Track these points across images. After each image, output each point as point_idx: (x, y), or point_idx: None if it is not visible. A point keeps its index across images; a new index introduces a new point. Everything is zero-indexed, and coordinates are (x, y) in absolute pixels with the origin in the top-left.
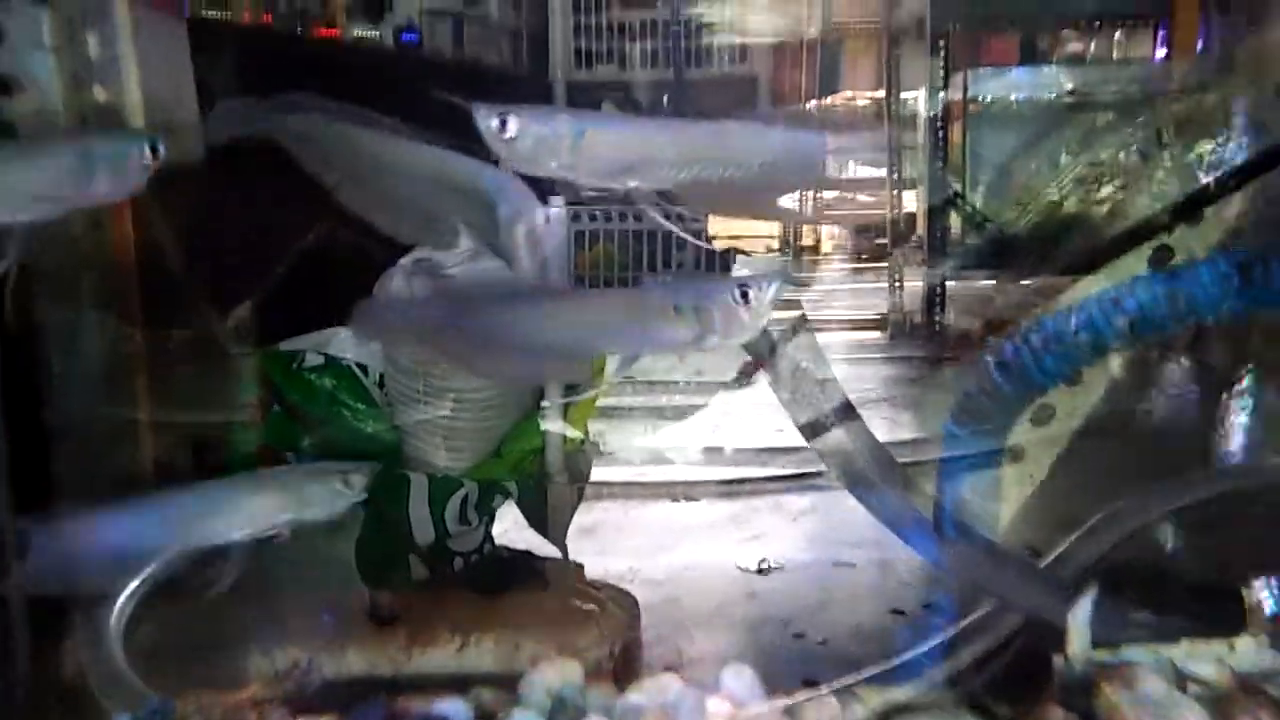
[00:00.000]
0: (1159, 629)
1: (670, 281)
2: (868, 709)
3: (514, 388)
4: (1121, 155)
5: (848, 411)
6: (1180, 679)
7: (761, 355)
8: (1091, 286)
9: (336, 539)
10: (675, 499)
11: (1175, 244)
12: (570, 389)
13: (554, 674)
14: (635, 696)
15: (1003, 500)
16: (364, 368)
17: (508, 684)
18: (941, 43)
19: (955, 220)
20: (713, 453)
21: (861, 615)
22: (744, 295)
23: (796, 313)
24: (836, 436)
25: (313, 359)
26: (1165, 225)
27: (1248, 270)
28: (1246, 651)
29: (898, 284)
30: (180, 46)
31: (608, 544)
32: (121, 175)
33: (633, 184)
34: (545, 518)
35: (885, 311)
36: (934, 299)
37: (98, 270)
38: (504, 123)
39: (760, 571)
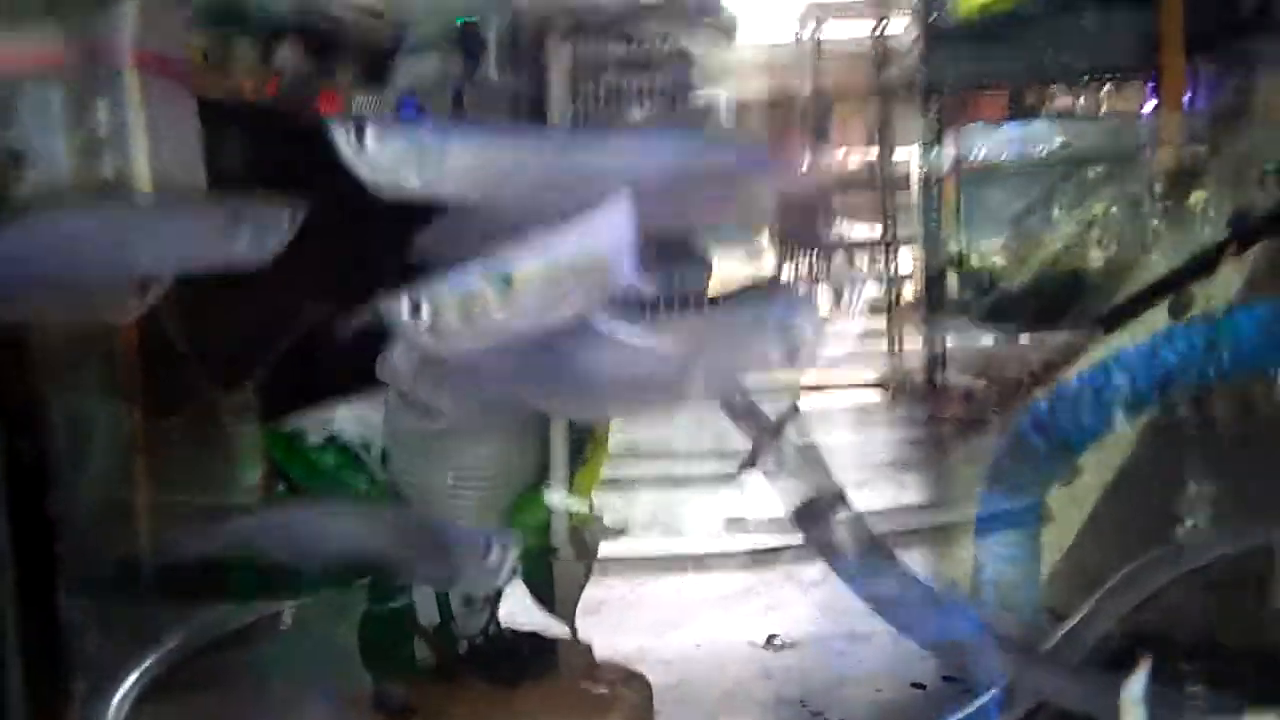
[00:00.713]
0: (1216, 704)
1: (752, 299)
2: None
3: (518, 461)
4: (1115, 208)
5: (842, 501)
6: None
7: (762, 442)
8: (1124, 340)
9: (338, 625)
10: (685, 572)
11: (1196, 292)
12: (575, 457)
13: None
14: None
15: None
16: (366, 445)
17: None
18: (933, 100)
19: (952, 278)
20: (724, 524)
21: (880, 691)
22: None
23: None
24: (833, 527)
25: (315, 436)
26: (1188, 277)
27: None
28: None
29: (897, 343)
30: (189, 119)
31: (616, 621)
32: (262, 239)
33: (502, 196)
34: (553, 596)
35: (885, 371)
36: (933, 358)
37: (101, 351)
38: (360, 134)
39: (771, 645)
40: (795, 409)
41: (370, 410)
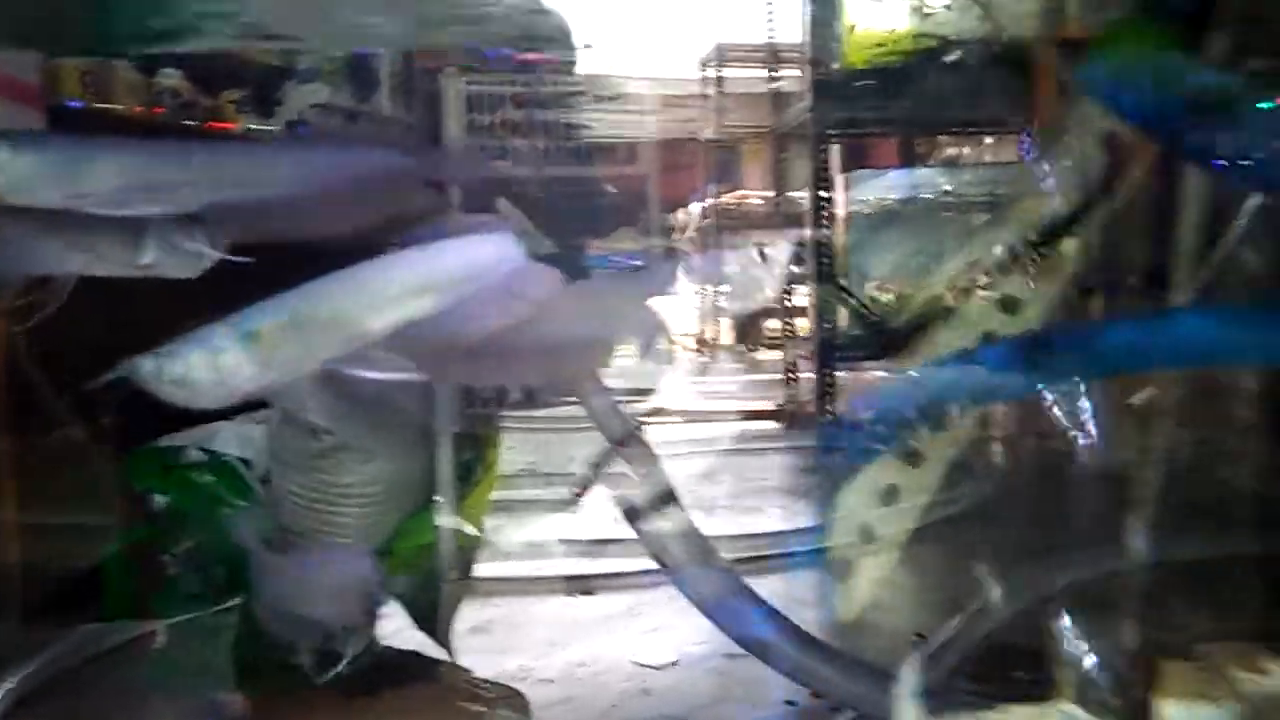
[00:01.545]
0: (981, 696)
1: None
2: None
3: (405, 483)
4: (997, 250)
5: (671, 500)
6: None
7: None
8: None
9: (213, 643)
10: (570, 593)
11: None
12: (465, 480)
13: None
14: None
15: (857, 578)
16: (247, 462)
17: None
18: (823, 146)
19: (843, 314)
20: (606, 544)
21: (758, 708)
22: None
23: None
24: (659, 521)
25: (194, 455)
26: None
27: (1029, 350)
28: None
29: (792, 375)
30: None
31: (500, 642)
32: (171, 258)
33: (154, 210)
34: (433, 617)
35: (781, 403)
36: (824, 390)
37: None
38: None
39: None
40: (639, 425)
41: (253, 428)
